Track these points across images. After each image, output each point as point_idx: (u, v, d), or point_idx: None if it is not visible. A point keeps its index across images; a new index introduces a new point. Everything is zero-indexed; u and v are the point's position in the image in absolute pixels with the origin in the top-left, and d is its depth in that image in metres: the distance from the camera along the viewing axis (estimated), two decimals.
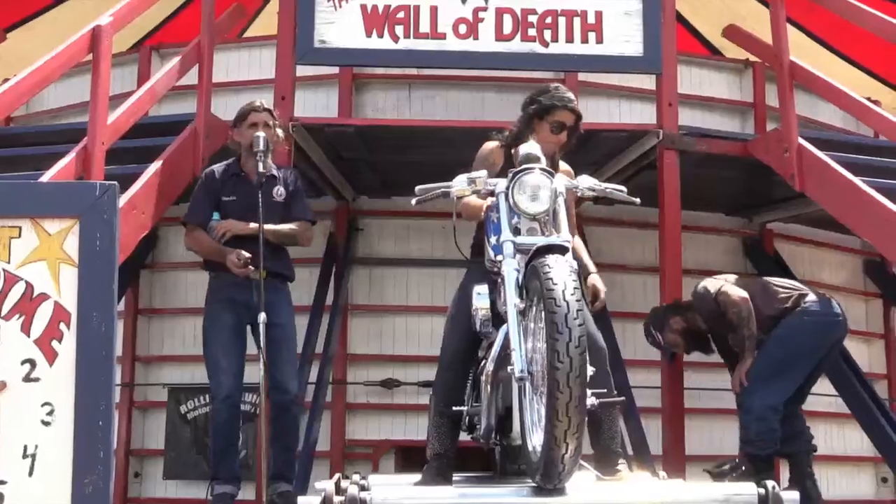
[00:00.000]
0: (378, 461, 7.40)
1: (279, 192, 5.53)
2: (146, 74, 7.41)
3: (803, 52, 7.39)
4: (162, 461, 7.54)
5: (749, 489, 3.59)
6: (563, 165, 4.63)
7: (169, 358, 7.75)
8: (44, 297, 3.02)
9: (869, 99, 7.19)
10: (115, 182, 2.96)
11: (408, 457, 7.25)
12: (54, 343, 2.98)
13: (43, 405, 2.95)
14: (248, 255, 5.29)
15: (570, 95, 4.60)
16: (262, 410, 5.24)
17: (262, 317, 5.21)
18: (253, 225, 5.36)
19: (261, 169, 5.37)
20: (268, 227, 5.41)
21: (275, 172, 5.58)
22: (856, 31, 6.81)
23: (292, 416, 5.50)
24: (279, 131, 5.66)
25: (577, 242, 4.44)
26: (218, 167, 5.69)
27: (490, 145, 4.61)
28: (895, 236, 5.84)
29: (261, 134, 5.45)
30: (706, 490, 3.88)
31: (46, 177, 5.07)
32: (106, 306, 3.03)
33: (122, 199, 5.50)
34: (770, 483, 3.58)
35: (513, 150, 4.24)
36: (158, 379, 7.71)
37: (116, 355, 7.40)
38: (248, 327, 5.48)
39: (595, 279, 4.60)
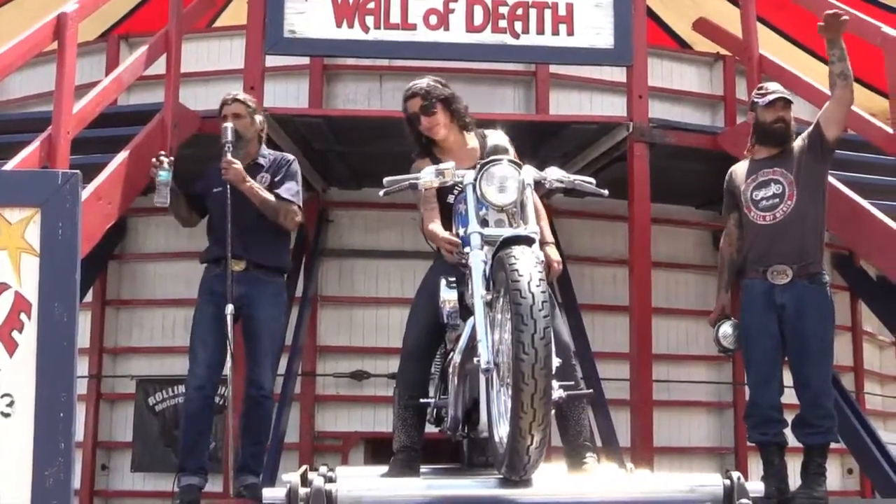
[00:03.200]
0: (347, 453, 7.40)
1: (263, 178, 5.47)
2: (115, 64, 7.34)
3: (773, 49, 7.42)
4: (130, 453, 7.50)
5: (715, 480, 3.60)
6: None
7: (137, 349, 7.71)
8: (4, 286, 2.98)
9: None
10: (78, 171, 2.93)
11: (377, 449, 7.24)
12: (14, 333, 2.94)
13: (3, 396, 2.90)
14: (229, 307, 5.20)
15: (413, 82, 4.64)
16: (229, 402, 5.20)
17: (229, 308, 5.19)
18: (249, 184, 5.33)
19: (228, 158, 5.33)
20: (255, 188, 5.35)
21: (262, 161, 5.54)
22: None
23: (264, 412, 5.46)
24: (257, 118, 5.58)
25: (540, 209, 4.36)
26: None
27: (419, 164, 4.55)
28: (861, 230, 5.89)
29: (227, 125, 5.42)
30: (672, 481, 3.88)
31: (9, 166, 5.02)
32: (68, 296, 2.99)
33: (88, 189, 5.47)
34: (735, 474, 3.60)
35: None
36: (126, 371, 7.66)
37: (83, 347, 7.43)
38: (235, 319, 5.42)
39: (550, 250, 4.39)
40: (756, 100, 5.28)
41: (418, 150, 4.64)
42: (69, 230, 2.97)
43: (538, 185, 4.03)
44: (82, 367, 7.41)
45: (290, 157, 5.67)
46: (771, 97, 5.19)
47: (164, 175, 5.36)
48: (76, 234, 2.96)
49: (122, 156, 5.88)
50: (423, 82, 4.62)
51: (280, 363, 6.93)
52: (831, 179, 5.85)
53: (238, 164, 5.33)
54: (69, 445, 2.82)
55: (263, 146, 5.65)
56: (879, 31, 5.86)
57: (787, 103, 5.20)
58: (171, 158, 5.39)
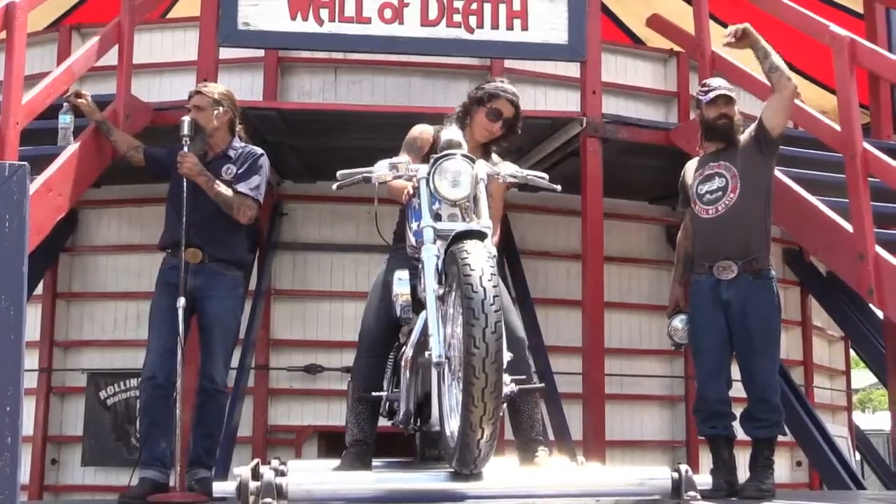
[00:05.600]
0: (301, 447, 7.39)
1: (229, 170, 5.43)
2: (66, 54, 7.25)
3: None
4: (80, 448, 7.43)
5: (663, 473, 3.64)
6: (495, 158, 4.61)
7: (88, 343, 7.65)
8: None
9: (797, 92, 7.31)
10: (26, 163, 2.88)
11: (331, 442, 7.24)
12: None
13: None
14: (181, 300, 5.17)
15: (514, 89, 4.64)
16: (178, 394, 5.17)
17: (181, 301, 5.15)
18: (204, 178, 5.30)
19: (183, 151, 5.29)
20: (210, 182, 5.31)
21: (231, 152, 5.50)
22: (775, 26, 6.91)
23: (217, 405, 5.42)
24: (218, 110, 5.50)
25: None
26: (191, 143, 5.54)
27: (420, 128, 4.58)
28: (809, 226, 5.97)
29: (185, 118, 5.37)
30: (622, 475, 3.92)
31: None
32: (15, 289, 2.93)
33: (38, 181, 5.42)
34: (684, 467, 3.63)
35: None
36: (77, 364, 7.61)
37: (33, 340, 7.32)
38: (191, 311, 5.37)
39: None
40: (700, 97, 5.32)
41: (449, 119, 4.60)
42: (16, 222, 2.91)
43: (498, 183, 4.07)
44: (32, 360, 7.33)
45: (259, 151, 5.61)
46: (712, 94, 5.23)
47: (64, 119, 5.67)
48: (23, 226, 2.91)
49: (73, 147, 5.82)
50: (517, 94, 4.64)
51: (233, 357, 6.94)
52: (781, 176, 5.93)
53: (193, 158, 5.29)
54: (16, 440, 2.78)
55: (236, 138, 5.60)
56: (828, 30, 5.94)
57: (728, 100, 5.24)
58: (74, 99, 5.63)
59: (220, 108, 5.49)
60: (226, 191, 5.34)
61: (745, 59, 7.05)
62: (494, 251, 3.58)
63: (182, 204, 5.26)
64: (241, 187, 5.39)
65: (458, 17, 6.48)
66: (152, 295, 5.47)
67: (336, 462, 4.32)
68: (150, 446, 5.25)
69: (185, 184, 5.27)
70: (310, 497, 3.42)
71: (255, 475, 3.47)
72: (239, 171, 5.44)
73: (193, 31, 6.84)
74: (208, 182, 5.30)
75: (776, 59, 5.12)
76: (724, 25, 8.39)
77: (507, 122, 4.57)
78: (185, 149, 5.30)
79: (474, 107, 4.58)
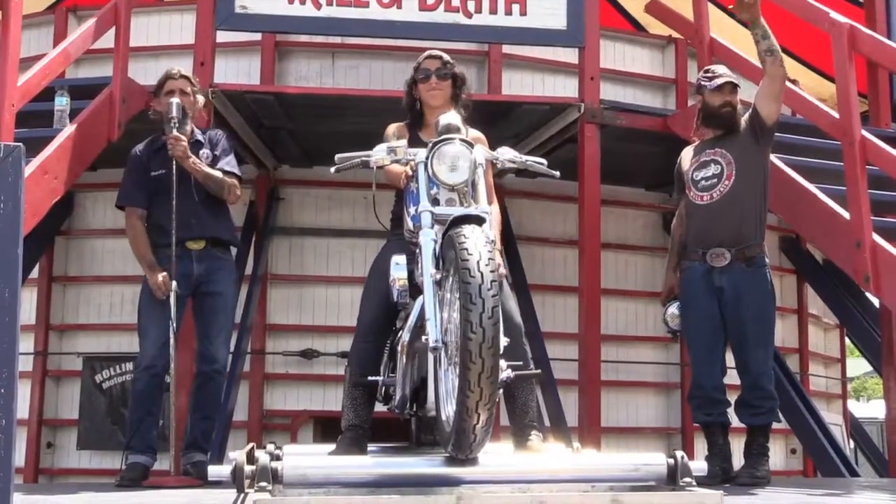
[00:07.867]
0: (296, 431, 7.39)
1: (206, 155, 5.40)
2: (62, 37, 7.22)
3: (725, 31, 7.46)
4: (76, 431, 7.43)
5: (659, 459, 3.63)
6: (472, 132, 4.57)
7: (84, 326, 7.64)
8: None
9: (787, 78, 7.28)
10: (21, 144, 2.87)
11: (326, 427, 7.24)
12: None
13: None
14: (174, 283, 5.13)
15: (434, 50, 4.71)
16: (173, 379, 5.16)
17: (174, 285, 5.12)
18: (192, 160, 5.23)
19: (175, 133, 5.22)
20: (199, 164, 5.27)
21: (199, 137, 5.46)
22: (775, 13, 6.88)
23: (216, 386, 5.41)
24: (199, 97, 5.53)
25: (493, 210, 4.35)
26: (141, 145, 5.50)
27: (393, 126, 4.59)
28: (806, 213, 5.96)
29: (174, 100, 5.29)
30: (617, 460, 3.92)
31: None
32: (10, 272, 2.92)
33: (34, 164, 5.41)
34: (679, 453, 3.62)
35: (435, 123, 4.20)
36: (73, 348, 7.60)
37: (29, 323, 7.30)
38: (189, 297, 5.35)
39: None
40: (704, 83, 5.28)
41: (407, 119, 4.62)
42: (11, 205, 2.90)
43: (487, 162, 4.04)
44: (27, 344, 7.33)
45: (221, 131, 5.67)
46: (719, 81, 5.21)
47: (60, 101, 5.72)
48: (18, 208, 2.89)
49: (69, 130, 5.80)
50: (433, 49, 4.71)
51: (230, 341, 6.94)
52: (778, 163, 5.92)
53: (185, 140, 5.25)
54: (10, 422, 2.77)
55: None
56: (827, 17, 5.92)
57: (734, 87, 5.22)
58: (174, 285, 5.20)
59: (200, 97, 5.51)
60: (215, 173, 5.33)
61: (742, 46, 7.05)
62: (493, 236, 3.57)
63: (170, 195, 5.19)
64: (226, 167, 5.40)
65: (456, 2, 6.46)
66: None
67: (331, 447, 4.32)
68: (141, 434, 5.24)
69: (174, 174, 5.19)
70: (305, 481, 3.41)
71: (251, 459, 3.46)
72: (216, 154, 5.43)
73: (191, 15, 6.82)
74: (195, 165, 5.27)
75: (773, 42, 5.09)
76: (724, 10, 8.43)
77: (438, 72, 4.56)
78: (175, 131, 5.22)
79: (411, 90, 4.61)
